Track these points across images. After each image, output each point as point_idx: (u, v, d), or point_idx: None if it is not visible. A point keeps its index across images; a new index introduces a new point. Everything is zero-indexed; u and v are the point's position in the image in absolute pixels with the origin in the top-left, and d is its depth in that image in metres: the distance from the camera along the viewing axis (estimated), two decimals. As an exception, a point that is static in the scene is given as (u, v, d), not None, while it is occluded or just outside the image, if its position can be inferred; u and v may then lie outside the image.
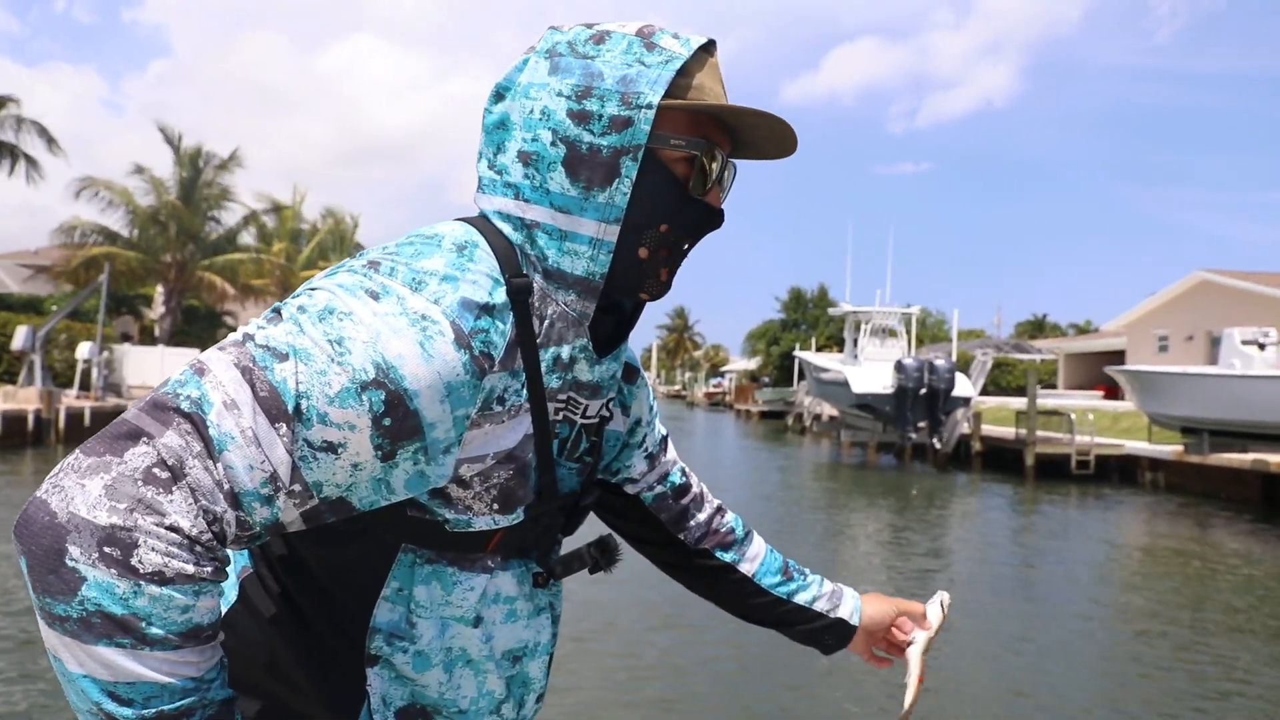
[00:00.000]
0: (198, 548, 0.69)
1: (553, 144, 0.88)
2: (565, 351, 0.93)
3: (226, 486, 0.71)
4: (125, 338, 34.09)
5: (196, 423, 0.71)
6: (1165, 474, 19.40)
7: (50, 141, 26.99)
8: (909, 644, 1.26)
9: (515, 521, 0.94)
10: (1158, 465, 19.67)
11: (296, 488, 0.75)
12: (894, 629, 1.27)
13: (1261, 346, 16.95)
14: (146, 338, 34.71)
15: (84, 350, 23.90)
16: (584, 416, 0.99)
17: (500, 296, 0.86)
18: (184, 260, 31.90)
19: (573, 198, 0.88)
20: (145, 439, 0.69)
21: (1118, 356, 38.66)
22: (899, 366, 23.08)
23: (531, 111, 0.89)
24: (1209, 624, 8.09)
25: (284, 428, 0.73)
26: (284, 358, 0.75)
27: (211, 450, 0.70)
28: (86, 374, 24.31)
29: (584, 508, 1.06)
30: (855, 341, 29.05)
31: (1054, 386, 40.38)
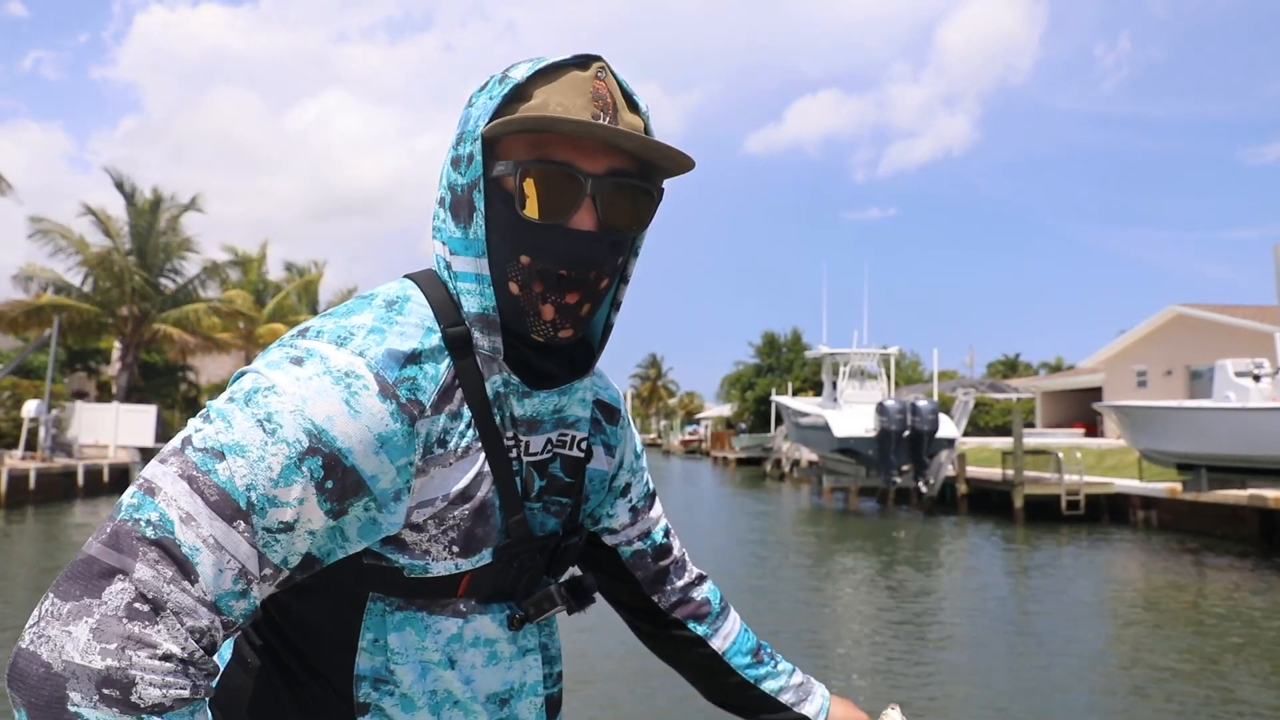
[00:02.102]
0: (191, 669, 0.71)
1: (444, 191, 0.94)
2: (490, 388, 0.93)
3: (207, 598, 0.73)
4: (79, 395, 32.78)
5: (165, 546, 0.72)
6: (1158, 512, 18.94)
7: None
8: None
9: (481, 564, 0.93)
10: (1150, 503, 19.21)
11: (267, 572, 0.78)
12: None
13: (1256, 378, 16.55)
14: (105, 395, 33.41)
15: (30, 408, 22.83)
16: (527, 453, 0.97)
17: (431, 343, 0.89)
18: (140, 314, 30.84)
19: (457, 238, 0.92)
20: (120, 575, 0.70)
21: (1094, 394, 38.62)
22: (881, 409, 22.52)
23: (445, 164, 0.95)
24: (1211, 667, 7.70)
25: (241, 524, 0.76)
26: (222, 456, 0.76)
27: (185, 570, 0.72)
28: (33, 433, 23.17)
29: (567, 549, 1.02)
30: (834, 384, 28.54)
31: (1032, 425, 40.15)
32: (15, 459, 22.00)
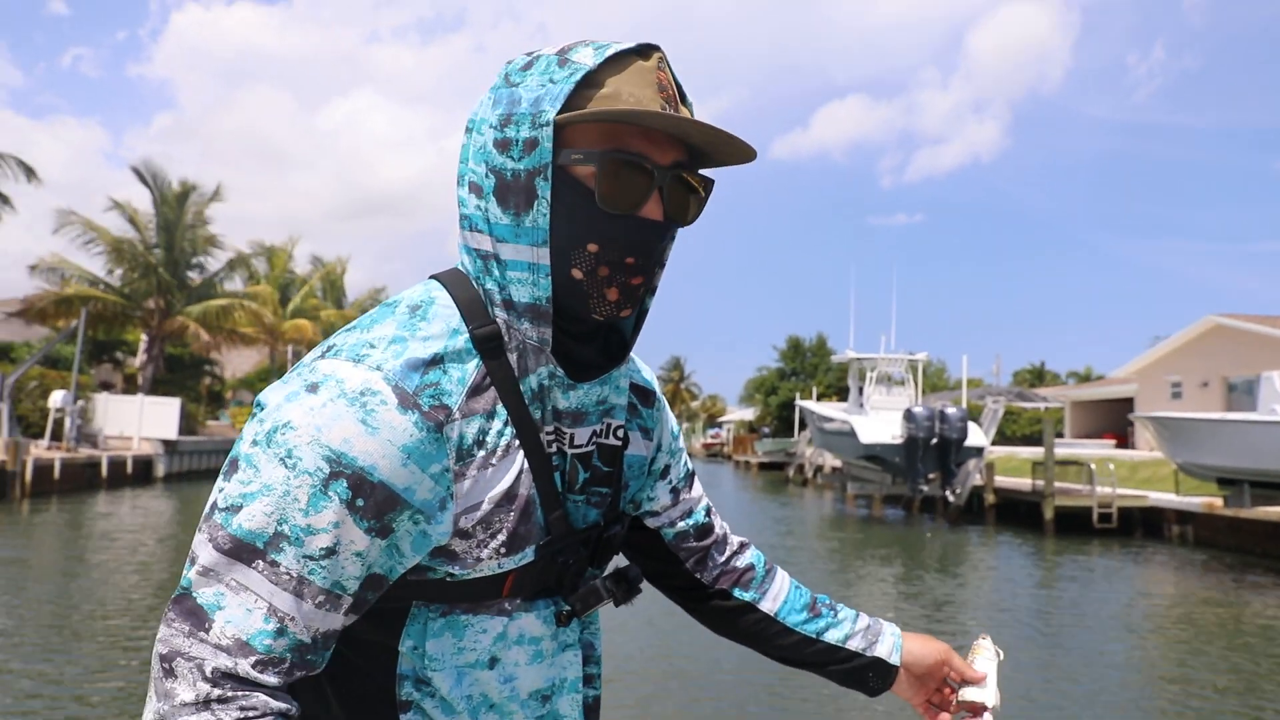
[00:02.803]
0: (214, 705, 0.77)
1: (486, 175, 0.89)
2: (534, 381, 0.92)
3: (226, 641, 0.78)
4: (105, 386, 33.03)
5: (184, 605, 0.79)
6: (1195, 527, 18.40)
7: (29, 173, 25.81)
8: (964, 713, 1.14)
9: (524, 562, 0.92)
10: (1186, 518, 18.68)
11: (320, 599, 0.81)
12: (946, 687, 1.19)
13: (1306, 391, 15.98)
14: (131, 387, 33.63)
15: (56, 399, 22.94)
16: (572, 446, 0.97)
17: (456, 344, 0.89)
18: (166, 306, 30.98)
19: (506, 226, 0.89)
20: (159, 643, 0.80)
21: (1126, 404, 37.86)
22: (909, 415, 22.09)
23: (480, 146, 0.90)
24: (1253, 688, 7.34)
25: (261, 563, 0.79)
26: (239, 508, 0.80)
27: (200, 620, 0.78)
28: (59, 424, 23.29)
29: (610, 539, 1.02)
30: (860, 390, 28.11)
31: (1060, 435, 39.42)
32: (41, 449, 22.12)
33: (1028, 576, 14.24)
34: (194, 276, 32.37)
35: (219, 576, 0.79)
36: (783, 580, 1.19)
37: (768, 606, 1.16)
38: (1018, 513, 21.90)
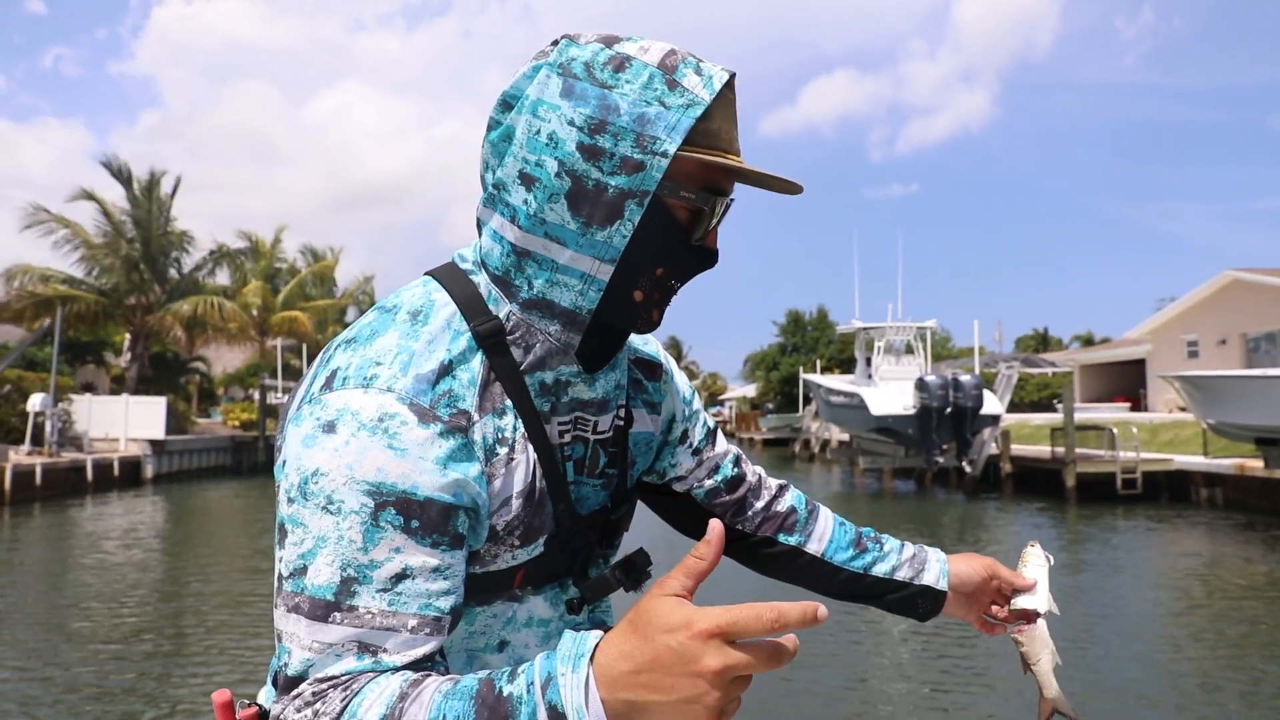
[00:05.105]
0: None
1: (558, 174, 0.84)
2: (550, 377, 0.93)
3: (324, 687, 0.78)
4: (88, 387, 32.12)
5: (285, 680, 0.79)
6: (1224, 490, 17.66)
7: None
8: (1018, 621, 1.15)
9: (537, 554, 0.93)
10: (1214, 481, 17.96)
11: (412, 623, 0.80)
12: (999, 600, 1.20)
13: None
14: (120, 387, 32.75)
15: (35, 402, 22.05)
16: (595, 432, 0.99)
17: (460, 345, 0.88)
18: (150, 303, 30.05)
19: (571, 231, 0.85)
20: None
21: (1136, 366, 37.13)
22: (921, 385, 21.26)
23: (539, 133, 0.85)
24: None
25: (337, 614, 0.78)
26: (304, 569, 0.79)
27: (292, 685, 0.79)
28: (39, 428, 22.45)
29: (616, 521, 1.04)
30: (868, 360, 27.28)
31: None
32: (21, 454, 21.30)
33: (1056, 548, 13.48)
34: (174, 275, 31.41)
35: (299, 641, 0.78)
36: (826, 519, 1.20)
37: (814, 548, 1.17)
38: (1035, 481, 21.17)
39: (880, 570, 1.17)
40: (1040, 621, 1.14)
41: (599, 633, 0.71)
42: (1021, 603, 1.15)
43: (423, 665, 0.80)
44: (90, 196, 29.20)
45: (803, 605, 0.66)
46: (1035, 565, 1.18)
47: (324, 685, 0.77)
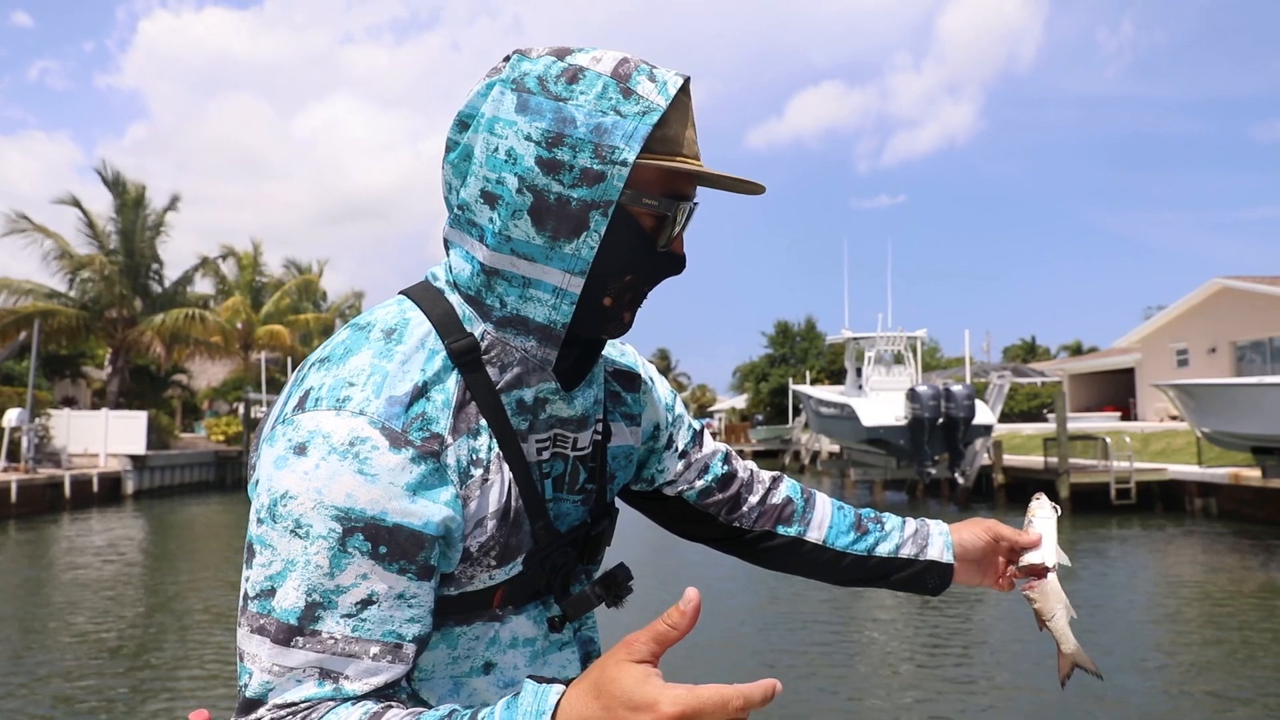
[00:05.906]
0: None
1: (519, 190, 0.83)
2: (529, 395, 0.91)
3: (283, 715, 0.77)
4: (67, 402, 31.62)
5: (244, 702, 0.79)
6: (1219, 500, 17.52)
7: None
8: (1027, 578, 1.13)
9: (515, 573, 0.92)
10: (1209, 490, 17.82)
11: (375, 650, 0.79)
12: (1010, 559, 1.18)
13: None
14: (101, 402, 32.23)
15: (12, 417, 21.66)
16: (575, 449, 0.98)
17: (435, 366, 0.86)
18: (131, 316, 29.60)
19: (538, 246, 0.85)
20: None
21: (1125, 375, 37.12)
22: (913, 395, 21.09)
23: (496, 150, 0.84)
24: None
25: (300, 639, 0.78)
26: (271, 590, 0.79)
27: (248, 704, 0.78)
28: (15, 444, 22.01)
29: (597, 536, 1.02)
30: (859, 371, 27.11)
31: (1060, 410, 38.57)
32: (-3, 471, 20.85)
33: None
34: (155, 287, 30.98)
35: (261, 663, 0.78)
36: (824, 505, 1.19)
37: (814, 536, 1.16)
38: (1028, 492, 20.71)
39: (884, 550, 1.17)
40: (1051, 576, 1.11)
41: (560, 688, 0.69)
42: (1030, 559, 1.13)
43: (384, 693, 0.80)
44: (76, 203, 28.81)
45: (763, 685, 0.67)
46: (1042, 518, 1.16)
47: (282, 712, 0.76)
